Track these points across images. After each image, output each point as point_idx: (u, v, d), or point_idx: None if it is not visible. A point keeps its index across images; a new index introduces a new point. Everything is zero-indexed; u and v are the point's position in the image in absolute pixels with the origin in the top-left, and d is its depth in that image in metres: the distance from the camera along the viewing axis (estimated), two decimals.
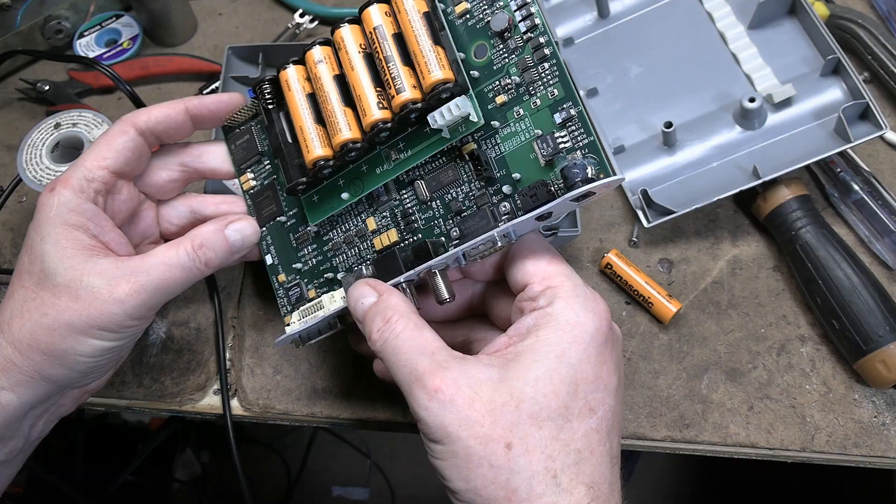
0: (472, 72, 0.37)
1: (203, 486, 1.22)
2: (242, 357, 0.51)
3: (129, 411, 0.53)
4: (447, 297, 0.37)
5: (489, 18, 0.37)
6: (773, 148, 0.51)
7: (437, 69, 0.35)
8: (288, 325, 0.43)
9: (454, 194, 0.38)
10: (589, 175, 0.33)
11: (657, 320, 0.51)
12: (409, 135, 0.39)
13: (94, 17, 0.66)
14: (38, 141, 0.52)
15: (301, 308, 0.43)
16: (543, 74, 0.35)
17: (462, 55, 0.37)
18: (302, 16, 0.65)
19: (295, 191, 0.42)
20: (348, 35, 0.39)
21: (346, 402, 0.50)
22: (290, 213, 0.44)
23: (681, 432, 0.48)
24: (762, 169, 0.49)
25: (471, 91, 0.37)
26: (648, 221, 0.52)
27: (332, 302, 0.42)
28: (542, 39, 0.35)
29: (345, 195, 0.41)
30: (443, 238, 0.39)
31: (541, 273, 0.36)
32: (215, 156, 0.45)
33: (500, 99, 0.37)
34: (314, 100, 0.40)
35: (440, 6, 0.38)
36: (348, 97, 0.39)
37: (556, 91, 0.35)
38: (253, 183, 0.45)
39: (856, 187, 0.52)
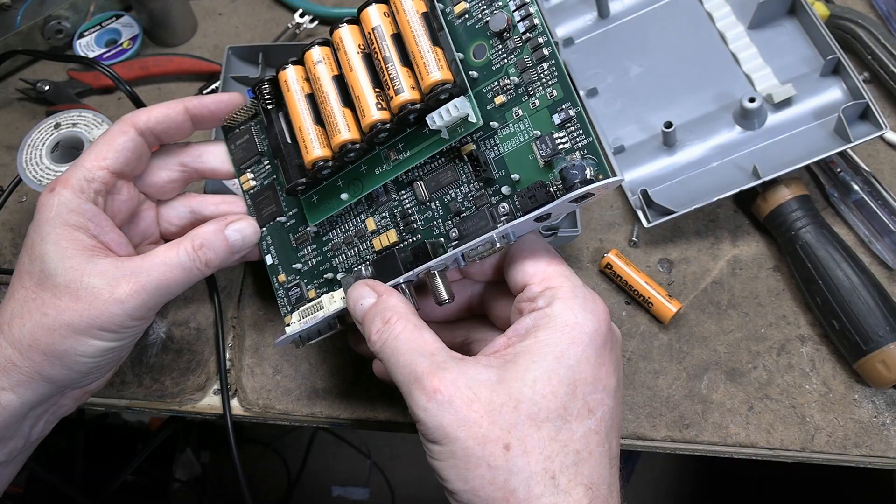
0: (470, 72, 0.37)
1: (203, 486, 1.22)
2: (242, 357, 0.51)
3: (129, 411, 0.53)
4: (446, 297, 0.37)
5: (488, 19, 0.37)
6: (773, 148, 0.51)
7: (435, 70, 0.35)
8: (288, 325, 0.44)
9: (453, 195, 0.38)
10: (588, 176, 0.33)
11: (657, 320, 0.51)
12: (408, 135, 0.39)
13: (94, 17, 0.66)
14: (38, 141, 0.52)
15: (301, 308, 0.43)
16: (542, 75, 0.35)
17: (461, 56, 0.37)
18: (302, 16, 0.65)
19: (294, 191, 0.42)
20: (347, 35, 0.39)
21: (346, 402, 0.50)
22: (290, 213, 0.44)
23: (681, 432, 0.48)
24: (762, 169, 0.49)
25: (469, 92, 0.37)
26: (648, 221, 0.52)
27: (332, 302, 0.42)
28: (540, 40, 0.35)
29: (344, 196, 0.41)
30: (442, 239, 0.39)
31: (540, 274, 0.36)
32: (215, 156, 0.45)
33: (499, 99, 0.37)
34: (313, 100, 0.40)
35: (439, 6, 0.38)
36: (347, 98, 0.39)
37: (555, 92, 0.35)
38: (253, 183, 0.45)
39: (856, 187, 0.52)
